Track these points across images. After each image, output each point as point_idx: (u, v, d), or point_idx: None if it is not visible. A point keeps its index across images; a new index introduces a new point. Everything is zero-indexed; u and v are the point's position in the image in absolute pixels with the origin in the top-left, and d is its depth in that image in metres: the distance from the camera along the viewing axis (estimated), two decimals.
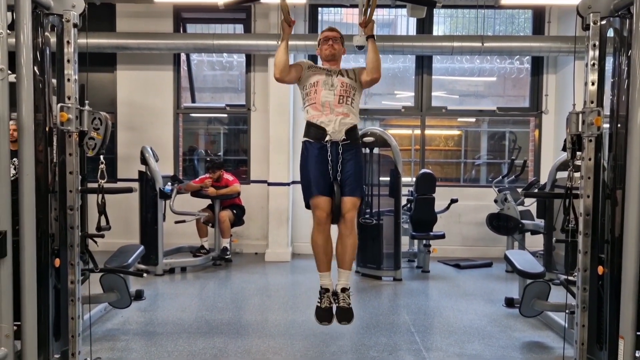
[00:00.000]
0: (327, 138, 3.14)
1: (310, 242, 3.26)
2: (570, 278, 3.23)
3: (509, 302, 4.68)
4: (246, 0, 3.25)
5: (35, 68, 2.67)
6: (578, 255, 2.88)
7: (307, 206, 3.26)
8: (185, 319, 4.31)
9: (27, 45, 2.47)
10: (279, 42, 3.31)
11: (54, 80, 2.96)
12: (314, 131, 3.20)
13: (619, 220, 2.68)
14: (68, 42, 2.86)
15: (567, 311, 3.42)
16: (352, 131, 3.21)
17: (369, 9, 3.25)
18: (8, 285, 2.35)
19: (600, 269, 2.81)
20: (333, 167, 3.15)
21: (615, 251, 2.71)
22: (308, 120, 3.24)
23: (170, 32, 7.12)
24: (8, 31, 2.35)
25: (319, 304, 3.26)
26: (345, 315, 3.21)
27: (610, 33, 2.87)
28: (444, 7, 7.14)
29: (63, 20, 2.86)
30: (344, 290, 3.22)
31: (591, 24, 2.82)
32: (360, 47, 5.95)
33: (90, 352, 3.14)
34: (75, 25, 2.88)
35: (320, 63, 3.47)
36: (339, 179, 3.15)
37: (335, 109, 3.16)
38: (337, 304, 3.22)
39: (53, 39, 2.92)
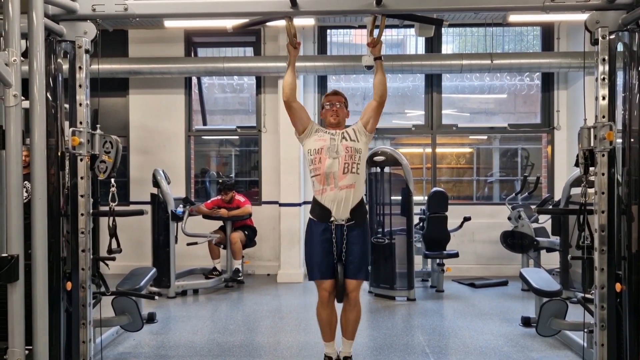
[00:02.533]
0: (332, 219, 3.14)
1: (316, 314, 3.35)
2: (588, 296, 3.17)
3: (526, 322, 4.60)
4: (254, 23, 3.27)
5: (48, 94, 2.72)
6: (595, 272, 2.82)
7: (310, 279, 3.32)
8: (197, 341, 4.28)
9: (40, 72, 2.53)
10: (287, 65, 3.36)
11: (67, 105, 3.02)
12: (319, 211, 3.20)
13: (636, 236, 2.64)
14: (80, 67, 2.92)
15: (585, 330, 3.33)
16: (357, 209, 3.19)
17: (376, 30, 3.27)
18: (20, 308, 2.35)
19: (618, 286, 2.75)
20: (337, 248, 3.16)
21: (633, 268, 2.66)
22: (314, 197, 3.25)
23: (182, 56, 7.23)
24: (22, 58, 2.40)
25: None
26: None
27: (620, 47, 2.85)
28: (451, 25, 7.18)
29: (75, 46, 2.92)
30: (346, 358, 3.34)
31: (600, 38, 2.81)
32: (369, 67, 6.00)
33: None
34: (87, 51, 2.94)
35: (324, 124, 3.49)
36: (343, 259, 3.16)
37: (339, 182, 3.13)
38: None
39: (66, 66, 2.98)
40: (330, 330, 3.31)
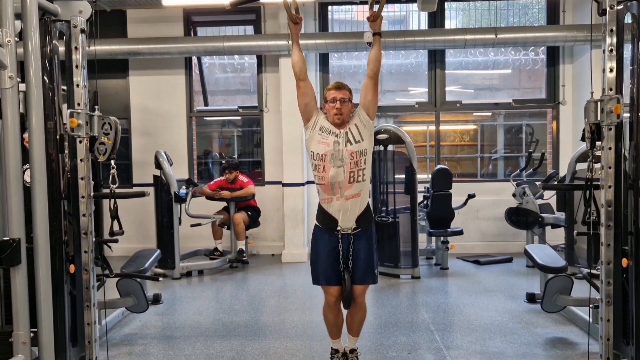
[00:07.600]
0: (339, 229, 3.09)
1: (322, 314, 3.33)
2: (594, 271, 3.14)
3: (531, 298, 4.60)
4: None
5: (45, 76, 2.67)
6: (601, 248, 2.79)
7: (315, 283, 3.27)
8: (203, 322, 4.31)
9: (36, 53, 2.47)
10: (289, 42, 3.27)
11: (65, 87, 2.97)
12: (325, 220, 3.13)
13: None
14: (76, 48, 2.87)
15: (591, 306, 3.33)
16: (363, 216, 3.13)
17: (376, 5, 3.18)
18: (23, 292, 2.35)
19: (624, 262, 2.73)
20: (344, 256, 3.11)
21: None
22: (320, 204, 3.17)
23: (181, 36, 7.14)
24: (16, 39, 2.35)
25: None
26: None
27: (628, 18, 2.78)
28: None
29: (70, 26, 2.86)
30: (352, 351, 3.35)
31: (607, 8, 2.73)
32: (371, 44, 5.90)
33: (107, 358, 3.14)
34: (82, 31, 2.88)
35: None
36: (350, 266, 3.12)
37: (345, 191, 3.05)
38: None
39: (62, 47, 2.92)
40: (337, 330, 3.34)
